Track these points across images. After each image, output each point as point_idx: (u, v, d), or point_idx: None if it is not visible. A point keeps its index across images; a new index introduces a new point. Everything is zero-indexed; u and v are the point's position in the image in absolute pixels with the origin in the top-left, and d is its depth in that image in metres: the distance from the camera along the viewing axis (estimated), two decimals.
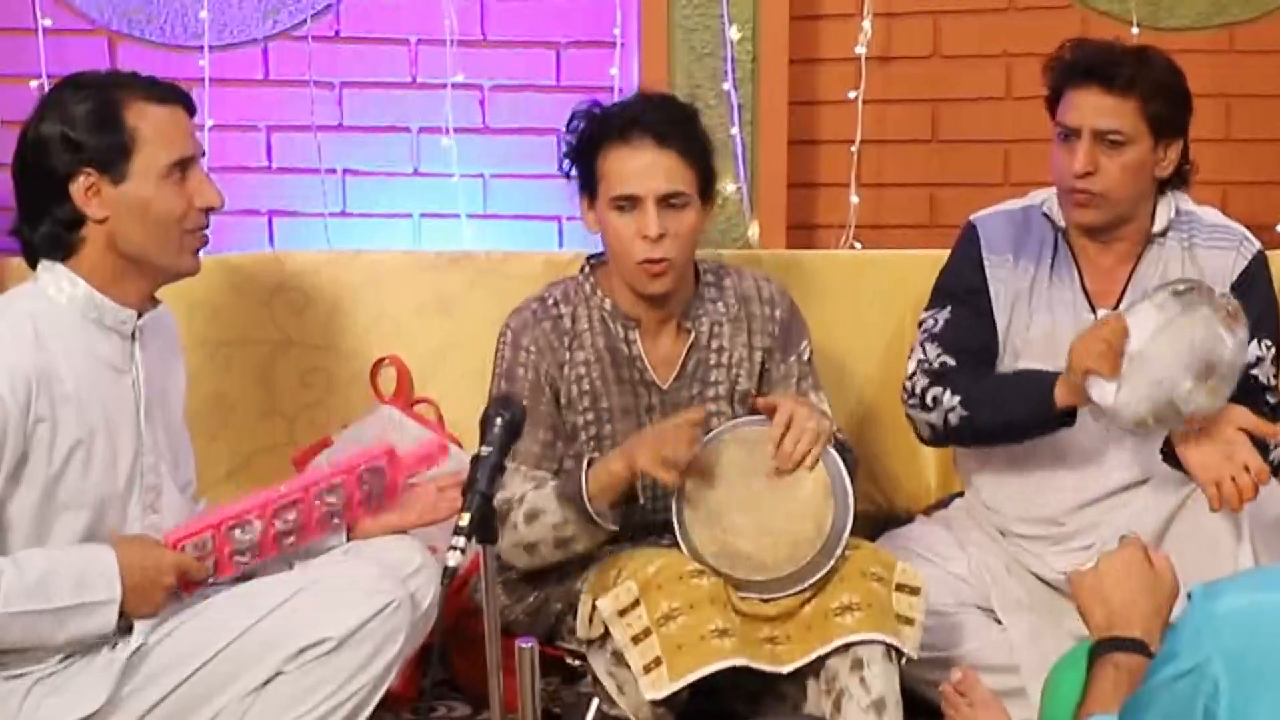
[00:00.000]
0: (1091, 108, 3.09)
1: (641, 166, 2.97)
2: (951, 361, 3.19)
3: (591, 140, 3.02)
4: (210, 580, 2.70)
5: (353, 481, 2.81)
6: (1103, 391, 2.94)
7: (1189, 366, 2.90)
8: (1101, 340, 2.93)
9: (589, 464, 2.91)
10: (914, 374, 3.22)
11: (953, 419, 3.13)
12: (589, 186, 3.04)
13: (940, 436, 3.21)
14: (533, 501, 2.92)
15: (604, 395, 3.07)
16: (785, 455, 2.88)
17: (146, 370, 2.72)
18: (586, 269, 3.13)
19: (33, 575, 2.53)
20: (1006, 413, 3.10)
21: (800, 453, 2.87)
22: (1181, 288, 2.96)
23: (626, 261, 3.00)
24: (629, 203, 2.97)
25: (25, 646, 2.58)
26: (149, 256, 2.67)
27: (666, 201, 2.97)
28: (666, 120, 3.01)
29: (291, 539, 2.76)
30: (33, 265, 2.70)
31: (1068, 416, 3.05)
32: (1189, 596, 1.67)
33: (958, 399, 3.13)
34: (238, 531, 2.70)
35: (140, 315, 2.71)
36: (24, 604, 2.52)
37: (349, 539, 2.84)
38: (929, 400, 3.16)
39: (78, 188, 2.63)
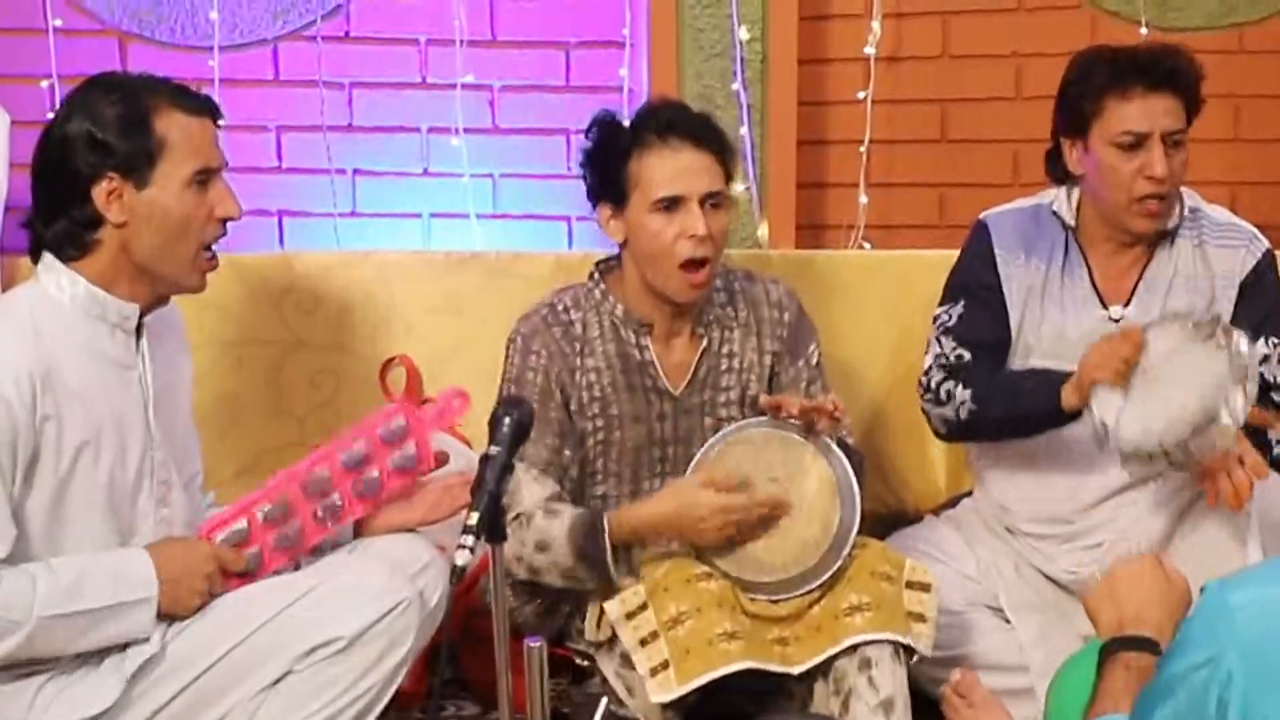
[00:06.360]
0: (1161, 110, 3.09)
1: (684, 166, 2.96)
2: (967, 355, 3.20)
3: (622, 146, 2.99)
4: (256, 571, 2.70)
5: (376, 445, 2.79)
6: (1105, 404, 2.94)
7: (1198, 408, 2.86)
8: (1119, 358, 2.93)
9: (608, 523, 2.88)
10: (930, 368, 3.22)
11: (963, 413, 3.14)
12: (615, 194, 3.01)
13: (954, 430, 3.22)
14: (544, 532, 2.91)
15: (614, 402, 3.06)
16: (826, 428, 2.90)
17: (154, 366, 2.72)
18: (596, 275, 3.12)
19: (68, 578, 2.54)
20: (1014, 407, 3.10)
21: (829, 410, 2.89)
22: (1205, 321, 2.94)
23: (667, 264, 2.97)
24: (673, 204, 2.96)
25: (62, 653, 2.58)
26: (159, 266, 2.66)
27: (708, 201, 2.97)
28: (698, 122, 3.01)
29: (332, 522, 2.76)
30: (35, 261, 2.68)
31: (1074, 415, 3.05)
32: (1202, 591, 1.67)
33: (969, 393, 3.14)
34: (275, 521, 2.71)
35: (145, 312, 2.70)
36: (62, 607, 2.53)
37: (355, 535, 2.84)
38: (943, 394, 3.17)
39: (100, 191, 2.61)
